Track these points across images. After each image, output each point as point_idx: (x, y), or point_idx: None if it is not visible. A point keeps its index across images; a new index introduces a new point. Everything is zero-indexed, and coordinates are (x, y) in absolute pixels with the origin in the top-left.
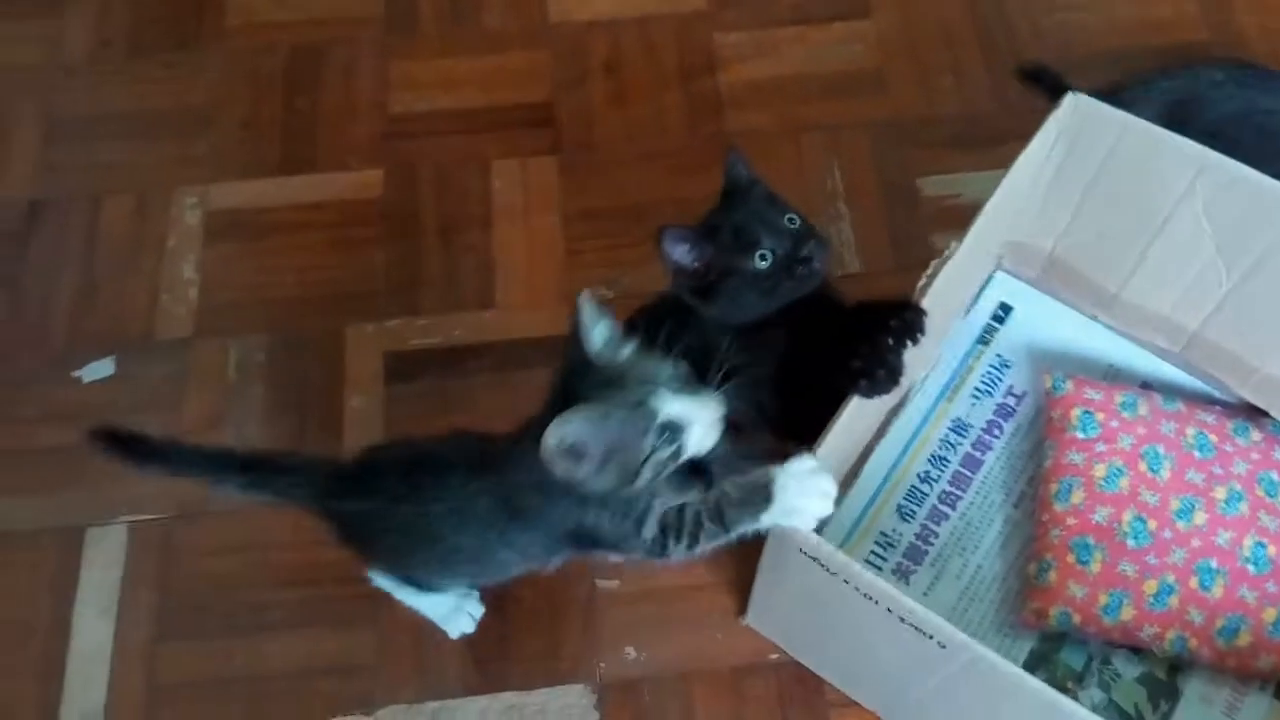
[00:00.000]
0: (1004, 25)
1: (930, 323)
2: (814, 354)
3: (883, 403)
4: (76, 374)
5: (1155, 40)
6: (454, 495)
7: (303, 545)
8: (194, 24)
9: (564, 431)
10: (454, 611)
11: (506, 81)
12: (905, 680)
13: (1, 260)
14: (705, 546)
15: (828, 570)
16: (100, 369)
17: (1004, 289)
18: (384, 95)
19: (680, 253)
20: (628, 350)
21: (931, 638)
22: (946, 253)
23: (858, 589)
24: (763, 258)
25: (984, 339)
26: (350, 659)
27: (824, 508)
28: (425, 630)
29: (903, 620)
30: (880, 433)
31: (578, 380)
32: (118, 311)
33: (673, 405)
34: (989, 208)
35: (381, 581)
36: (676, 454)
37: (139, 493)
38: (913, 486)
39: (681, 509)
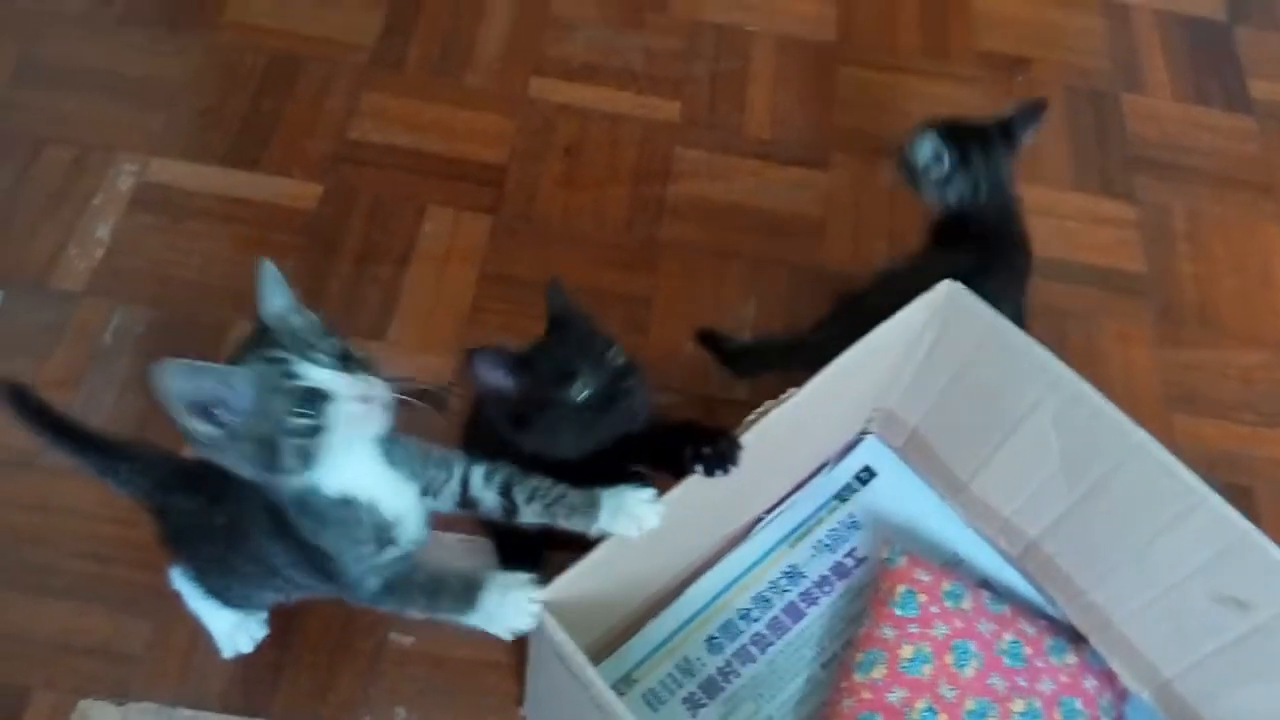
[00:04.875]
0: None
1: (773, 464)
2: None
3: (721, 529)
4: None
5: (1087, 259)
6: (249, 499)
7: (110, 520)
8: (192, 9)
9: (158, 373)
10: (235, 630)
11: (468, 137)
12: None
13: None
14: (412, 613)
15: (571, 673)
16: None
17: (872, 453)
18: (348, 119)
19: (495, 378)
20: (298, 319)
21: None
22: (783, 397)
23: (593, 699)
24: (581, 391)
25: (842, 496)
26: (118, 645)
27: (522, 624)
28: (202, 638)
29: None
30: (713, 560)
31: (249, 343)
32: (22, 251)
33: (315, 373)
34: (835, 367)
35: (180, 584)
36: (317, 429)
37: None
38: (729, 620)
39: (411, 574)
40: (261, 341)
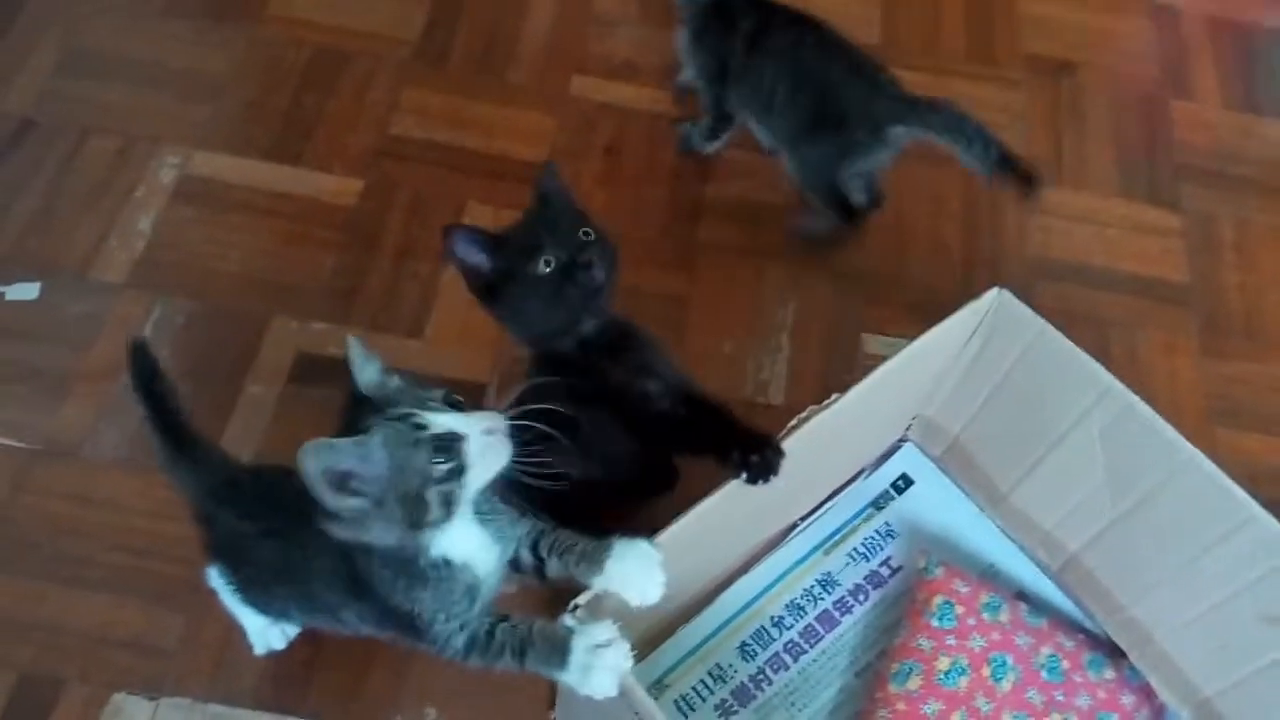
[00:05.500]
0: (991, 210)
1: (812, 471)
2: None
3: (756, 536)
4: (2, 288)
5: (1131, 268)
6: (313, 545)
7: (146, 514)
8: (236, 2)
9: (320, 455)
10: (268, 627)
11: (509, 135)
12: None
13: None
14: (500, 669)
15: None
16: (26, 290)
17: (910, 461)
18: (389, 114)
19: (470, 254)
20: (395, 381)
21: None
22: (826, 402)
23: (631, 705)
24: (546, 264)
25: (878, 504)
26: (152, 639)
27: (610, 689)
28: (235, 633)
29: None
30: (746, 566)
31: (354, 415)
32: (63, 242)
33: (441, 418)
34: (880, 373)
35: (215, 582)
36: (458, 470)
37: (15, 417)
38: (762, 627)
39: (492, 632)
40: (370, 409)
